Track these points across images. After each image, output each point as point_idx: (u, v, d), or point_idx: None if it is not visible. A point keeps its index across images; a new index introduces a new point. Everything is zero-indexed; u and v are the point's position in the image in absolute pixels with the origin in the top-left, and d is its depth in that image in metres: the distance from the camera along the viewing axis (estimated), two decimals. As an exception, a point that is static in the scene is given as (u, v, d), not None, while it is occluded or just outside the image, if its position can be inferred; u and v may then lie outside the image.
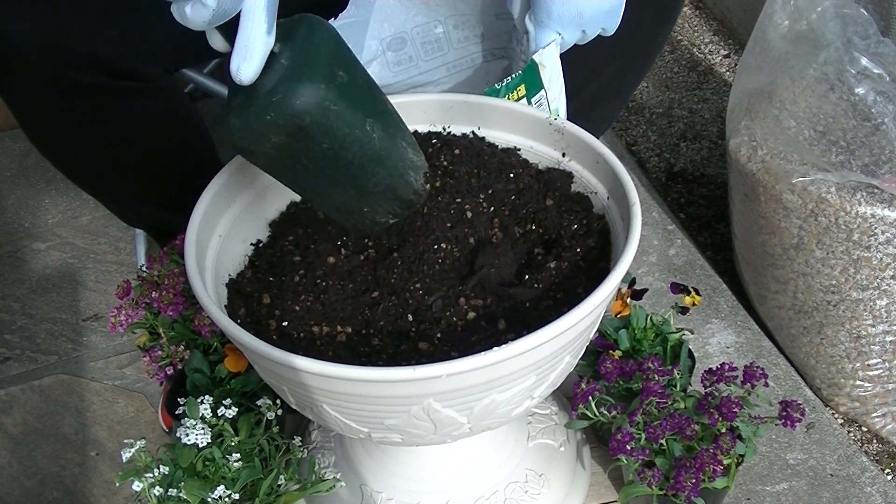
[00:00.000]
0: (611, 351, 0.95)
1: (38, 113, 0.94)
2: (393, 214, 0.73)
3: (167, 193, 1.07)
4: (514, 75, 0.85)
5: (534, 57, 0.82)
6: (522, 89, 0.86)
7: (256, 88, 0.62)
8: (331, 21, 0.92)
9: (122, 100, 0.95)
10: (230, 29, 0.62)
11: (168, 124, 1.02)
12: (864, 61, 1.02)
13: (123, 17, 0.91)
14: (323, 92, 0.62)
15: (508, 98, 0.87)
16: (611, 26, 0.83)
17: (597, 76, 1.05)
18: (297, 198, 0.87)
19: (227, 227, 0.81)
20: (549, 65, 0.83)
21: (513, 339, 0.63)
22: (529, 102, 0.87)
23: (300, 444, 0.91)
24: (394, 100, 0.89)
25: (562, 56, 0.84)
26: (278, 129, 0.62)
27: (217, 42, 0.65)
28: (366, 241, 0.79)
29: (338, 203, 0.71)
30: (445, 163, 0.86)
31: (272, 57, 0.62)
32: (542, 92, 0.85)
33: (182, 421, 0.86)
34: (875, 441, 1.18)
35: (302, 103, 0.61)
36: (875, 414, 1.17)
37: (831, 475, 1.04)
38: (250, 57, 0.61)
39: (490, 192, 0.81)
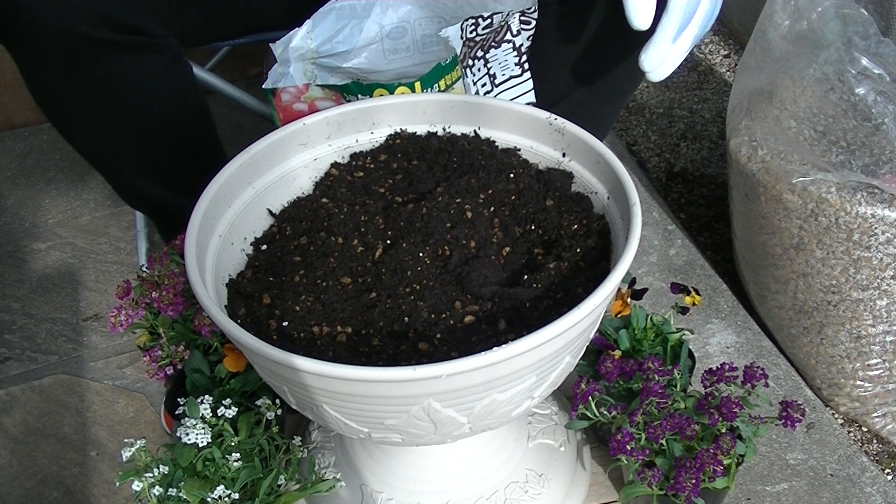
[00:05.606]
0: (611, 351, 0.95)
1: (46, 68, 0.94)
2: None
3: (166, 166, 1.06)
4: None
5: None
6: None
7: None
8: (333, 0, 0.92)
9: (130, 55, 0.95)
10: None
11: (172, 86, 1.01)
12: (865, 61, 1.02)
13: None
14: None
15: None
16: None
17: (585, 82, 1.04)
18: (298, 195, 0.87)
19: (227, 227, 0.81)
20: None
21: (513, 339, 0.63)
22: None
23: (300, 444, 0.91)
24: (394, 100, 0.90)
25: (556, 60, 0.85)
26: None
27: None
28: (366, 240, 0.79)
29: None
30: (445, 163, 0.86)
31: None
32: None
33: (182, 420, 0.86)
34: (875, 441, 1.18)
35: None
36: (875, 414, 1.17)
37: (831, 475, 1.04)
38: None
39: (490, 192, 0.81)
